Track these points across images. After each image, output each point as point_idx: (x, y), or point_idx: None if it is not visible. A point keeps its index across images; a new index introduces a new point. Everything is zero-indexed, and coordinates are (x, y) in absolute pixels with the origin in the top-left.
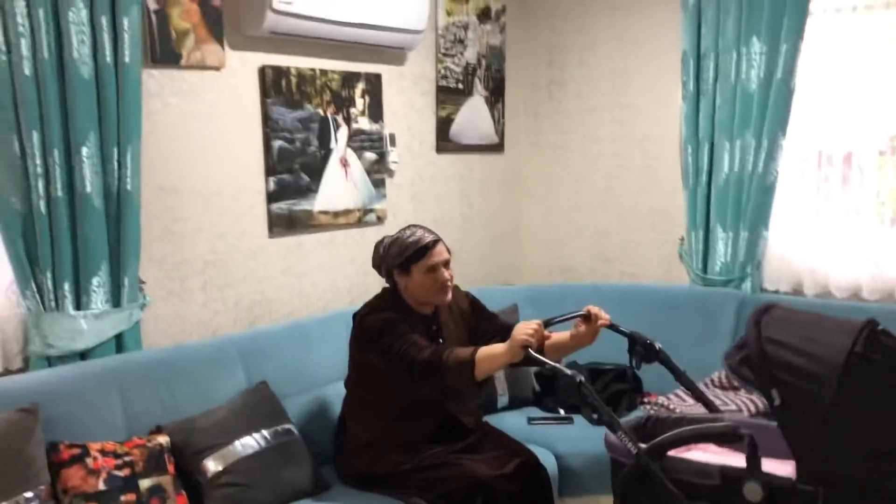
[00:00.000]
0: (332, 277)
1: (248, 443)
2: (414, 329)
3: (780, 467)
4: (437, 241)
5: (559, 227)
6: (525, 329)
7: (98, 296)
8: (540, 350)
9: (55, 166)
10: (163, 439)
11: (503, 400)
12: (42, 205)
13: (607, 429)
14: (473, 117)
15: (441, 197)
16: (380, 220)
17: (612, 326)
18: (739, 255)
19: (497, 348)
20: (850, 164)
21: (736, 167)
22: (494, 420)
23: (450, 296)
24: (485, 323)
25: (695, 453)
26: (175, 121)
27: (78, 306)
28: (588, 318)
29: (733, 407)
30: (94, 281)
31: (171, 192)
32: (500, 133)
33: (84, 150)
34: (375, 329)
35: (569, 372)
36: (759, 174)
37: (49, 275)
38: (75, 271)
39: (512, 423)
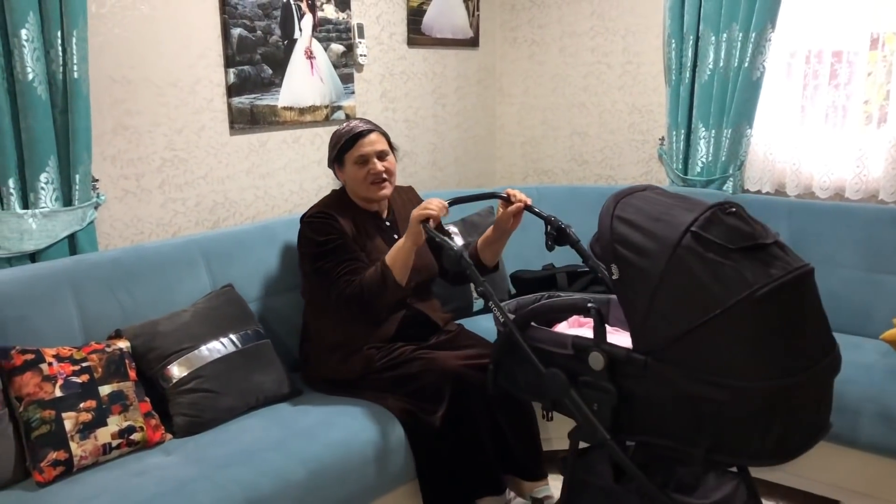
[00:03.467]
0: (300, 179)
1: (215, 347)
2: (364, 235)
3: (628, 340)
4: (371, 129)
5: (535, 128)
6: (425, 204)
7: (47, 193)
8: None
9: None
10: (123, 344)
11: (478, 304)
12: None
13: (484, 301)
14: (446, 8)
15: (413, 95)
16: (348, 118)
17: (529, 208)
18: (721, 154)
19: (400, 241)
20: (839, 60)
21: (721, 62)
22: (469, 324)
23: (387, 190)
24: None
25: (575, 330)
26: (124, 3)
27: (25, 205)
28: (508, 200)
29: None
30: (42, 177)
31: (122, 83)
32: (475, 27)
33: (23, 33)
34: (311, 252)
35: (454, 245)
36: (745, 69)
37: None
38: (20, 167)
39: (487, 326)
